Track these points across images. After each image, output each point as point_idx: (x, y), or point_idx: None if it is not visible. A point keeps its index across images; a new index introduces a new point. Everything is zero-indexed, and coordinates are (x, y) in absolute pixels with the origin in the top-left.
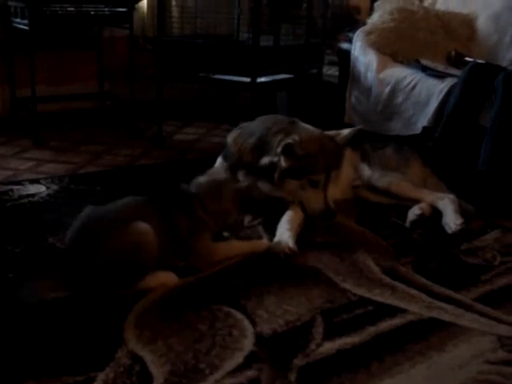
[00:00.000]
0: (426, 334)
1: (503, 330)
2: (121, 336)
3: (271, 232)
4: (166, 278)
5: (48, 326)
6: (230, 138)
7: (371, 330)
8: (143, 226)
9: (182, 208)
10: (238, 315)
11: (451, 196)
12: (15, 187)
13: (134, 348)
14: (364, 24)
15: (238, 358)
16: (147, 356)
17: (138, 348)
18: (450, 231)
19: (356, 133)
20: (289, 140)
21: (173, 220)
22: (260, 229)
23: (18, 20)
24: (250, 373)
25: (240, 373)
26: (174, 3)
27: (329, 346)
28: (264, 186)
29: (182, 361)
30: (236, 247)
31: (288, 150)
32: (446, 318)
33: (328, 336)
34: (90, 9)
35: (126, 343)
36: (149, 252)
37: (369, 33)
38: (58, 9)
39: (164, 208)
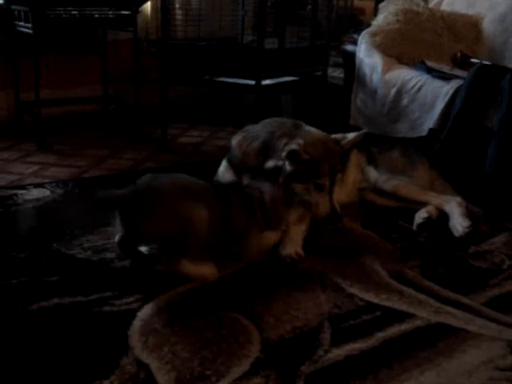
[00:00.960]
0: (435, 340)
1: None
2: (126, 343)
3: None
4: (207, 272)
5: (52, 332)
6: (235, 140)
7: (379, 335)
8: (202, 210)
9: (244, 206)
10: (245, 321)
11: (458, 199)
12: (20, 191)
13: (140, 355)
14: (368, 25)
15: (245, 365)
16: (153, 363)
17: (143, 355)
18: (457, 234)
19: (362, 136)
20: (293, 146)
21: (230, 214)
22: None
23: (22, 24)
24: (257, 380)
25: (247, 380)
26: (177, 6)
27: (336, 353)
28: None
29: (187, 368)
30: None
31: (292, 156)
32: (454, 323)
33: (336, 342)
34: (93, 12)
35: (131, 350)
36: (196, 234)
37: (374, 34)
38: (61, 12)
39: (226, 201)
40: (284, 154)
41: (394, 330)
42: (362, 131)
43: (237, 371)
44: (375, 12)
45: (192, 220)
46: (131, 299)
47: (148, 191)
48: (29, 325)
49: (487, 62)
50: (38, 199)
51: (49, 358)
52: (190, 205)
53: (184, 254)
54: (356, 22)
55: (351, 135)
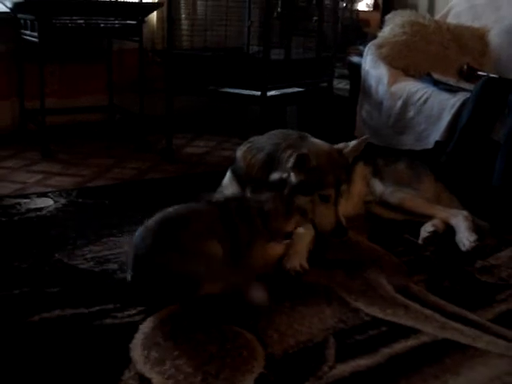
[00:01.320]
0: (442, 356)
1: None
2: (127, 356)
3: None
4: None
5: (53, 345)
6: (239, 152)
7: (385, 351)
8: (215, 248)
9: (245, 219)
10: (248, 335)
11: (465, 212)
12: (23, 201)
13: (142, 369)
14: (374, 37)
15: (249, 381)
16: (155, 378)
17: (145, 369)
18: (463, 248)
19: (363, 143)
20: (302, 150)
21: (236, 229)
22: None
23: (28, 32)
24: None
25: None
26: (183, 16)
27: (342, 369)
28: None
29: (190, 383)
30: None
31: (301, 162)
32: (461, 339)
33: (341, 358)
34: (99, 21)
35: (133, 364)
36: (212, 277)
37: (380, 46)
38: (67, 21)
39: (228, 217)
40: (290, 162)
41: (400, 346)
42: (363, 137)
43: None
44: (381, 24)
45: (209, 256)
46: (133, 312)
47: (163, 236)
48: (30, 337)
49: (494, 75)
50: (41, 208)
51: (49, 371)
52: (206, 243)
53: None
54: (361, 34)
55: (353, 143)
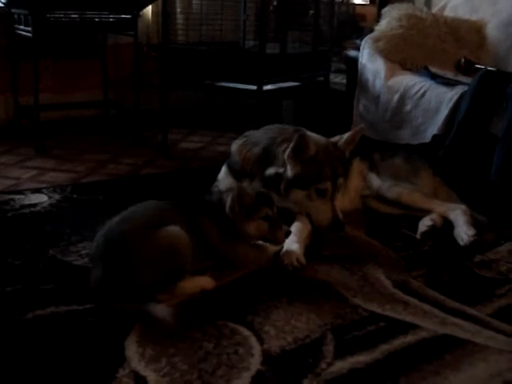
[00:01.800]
0: (441, 352)
1: None
2: (122, 354)
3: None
4: (203, 283)
5: (47, 342)
6: (235, 146)
7: (384, 347)
8: (177, 229)
9: (208, 214)
10: (245, 332)
11: (463, 207)
12: (17, 197)
13: (137, 367)
14: (371, 31)
15: (245, 379)
16: (150, 376)
17: (140, 367)
18: (462, 243)
19: (358, 133)
20: (301, 132)
21: (198, 224)
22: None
23: (22, 27)
24: None
25: None
26: (178, 10)
27: (340, 365)
28: None
29: (186, 381)
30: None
31: (299, 147)
32: (461, 335)
33: (339, 354)
34: (94, 16)
35: (128, 362)
36: (185, 255)
37: (377, 40)
38: (61, 16)
39: (189, 212)
40: (290, 145)
41: (399, 342)
42: (358, 127)
43: None
44: (377, 18)
45: (177, 245)
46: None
47: (118, 240)
48: (24, 334)
49: (492, 68)
50: (35, 204)
51: (43, 369)
52: (168, 232)
53: (180, 278)
54: (357, 29)
55: (347, 134)
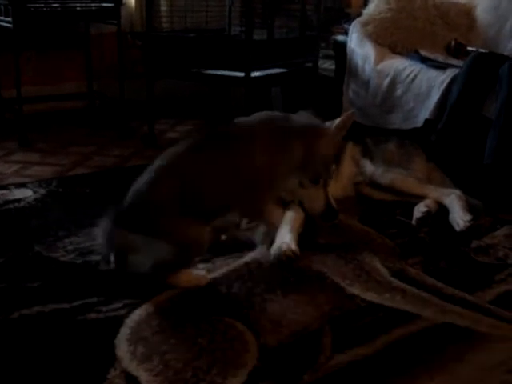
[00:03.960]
0: (443, 342)
1: None
2: (113, 353)
3: (271, 234)
4: (198, 280)
5: (34, 343)
6: None
7: (383, 338)
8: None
9: None
10: (240, 326)
11: (457, 192)
12: (0, 192)
13: (128, 367)
14: (359, 15)
15: (242, 376)
16: (142, 375)
17: (131, 367)
18: (458, 228)
19: (350, 119)
20: None
21: None
22: (259, 231)
23: (2, 18)
24: None
25: None
26: None
27: (339, 359)
28: None
29: (180, 380)
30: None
31: None
32: (462, 323)
33: (338, 347)
34: (75, 5)
35: (119, 361)
36: (198, 253)
37: (365, 24)
38: (42, 5)
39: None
40: None
41: (399, 332)
42: (349, 112)
43: (233, 382)
44: (364, 3)
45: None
46: (118, 305)
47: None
48: (9, 335)
49: (484, 50)
50: (19, 200)
51: (30, 371)
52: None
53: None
54: (343, 15)
55: (338, 120)
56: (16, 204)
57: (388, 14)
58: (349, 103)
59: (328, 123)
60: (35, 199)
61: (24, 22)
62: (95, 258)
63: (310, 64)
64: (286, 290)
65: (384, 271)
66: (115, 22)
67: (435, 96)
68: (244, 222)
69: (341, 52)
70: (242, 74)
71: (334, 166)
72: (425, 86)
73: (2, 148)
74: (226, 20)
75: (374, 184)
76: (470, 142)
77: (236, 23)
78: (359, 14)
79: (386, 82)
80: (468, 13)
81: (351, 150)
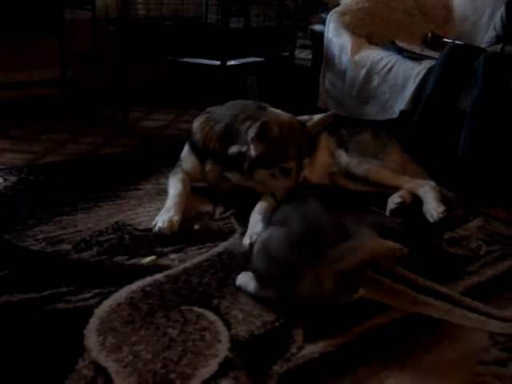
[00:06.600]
0: (414, 333)
1: (495, 326)
2: (81, 344)
3: (244, 223)
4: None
5: (0, 333)
6: (196, 123)
7: (355, 329)
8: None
9: None
10: (211, 317)
11: (432, 183)
12: None
13: (97, 357)
14: (336, 5)
15: (213, 366)
16: (111, 366)
17: (100, 357)
18: (431, 220)
19: (329, 118)
20: (264, 119)
21: None
22: (232, 220)
23: None
24: (226, 382)
25: (215, 382)
26: None
27: (311, 349)
28: (233, 176)
29: (150, 371)
30: None
31: (263, 131)
32: (433, 314)
33: (309, 338)
34: None
35: (88, 352)
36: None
37: (342, 14)
38: None
39: None
40: (254, 130)
41: (371, 323)
42: (330, 112)
43: (204, 373)
44: None
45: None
46: (88, 295)
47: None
48: None
49: (460, 42)
50: None
51: None
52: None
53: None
54: (321, 4)
55: (317, 116)
56: None
57: (365, 5)
58: (325, 94)
59: (305, 117)
60: (5, 187)
61: None
62: (66, 247)
63: (286, 53)
64: None
65: None
66: (90, 7)
67: (411, 87)
68: (218, 212)
69: (318, 42)
70: (217, 63)
71: (307, 160)
72: (401, 77)
73: None
74: (202, 8)
75: (348, 175)
76: (444, 133)
77: (213, 11)
78: (337, 4)
79: (363, 72)
80: (445, 4)
81: (326, 140)
